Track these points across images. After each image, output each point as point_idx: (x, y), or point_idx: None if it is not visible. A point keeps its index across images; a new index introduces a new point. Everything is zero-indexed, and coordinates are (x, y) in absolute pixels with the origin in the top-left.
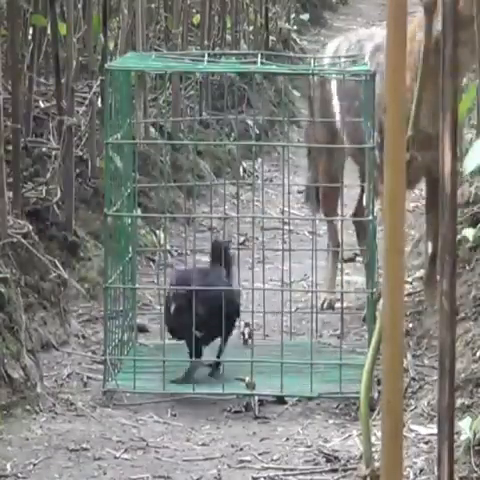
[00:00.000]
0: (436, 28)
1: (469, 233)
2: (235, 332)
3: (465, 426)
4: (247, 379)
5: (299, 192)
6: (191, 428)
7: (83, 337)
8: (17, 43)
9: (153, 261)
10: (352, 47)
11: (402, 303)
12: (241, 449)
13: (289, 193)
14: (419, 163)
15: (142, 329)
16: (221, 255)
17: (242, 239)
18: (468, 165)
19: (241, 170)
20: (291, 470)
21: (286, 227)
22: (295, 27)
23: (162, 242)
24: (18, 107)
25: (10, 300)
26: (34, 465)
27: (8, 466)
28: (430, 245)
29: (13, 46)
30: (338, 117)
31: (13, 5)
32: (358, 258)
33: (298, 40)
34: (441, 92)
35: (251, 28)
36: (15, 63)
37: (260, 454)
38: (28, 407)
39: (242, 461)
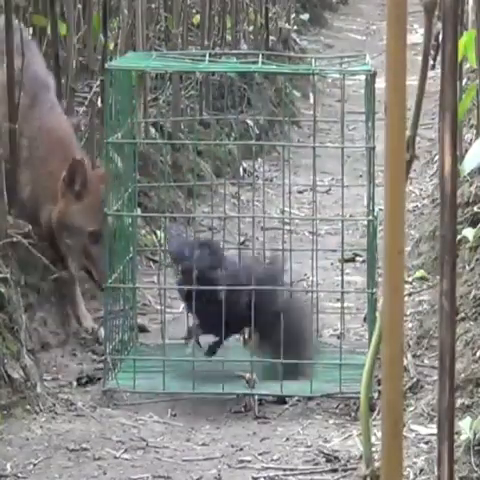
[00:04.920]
0: None
1: (469, 233)
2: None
3: (465, 426)
4: (247, 376)
5: (299, 192)
6: (191, 428)
7: (83, 337)
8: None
9: (153, 261)
10: None
11: (402, 303)
12: (241, 449)
13: (289, 193)
14: None
15: (142, 329)
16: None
17: (242, 239)
18: (467, 165)
19: (241, 170)
20: (291, 470)
21: (286, 227)
22: (295, 27)
23: (162, 242)
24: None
25: (10, 300)
26: (34, 465)
27: (8, 466)
28: None
29: (12, 46)
30: None
31: (9, 4)
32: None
33: (298, 40)
34: (441, 92)
35: (251, 28)
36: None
37: (260, 454)
38: (28, 407)
39: (242, 461)
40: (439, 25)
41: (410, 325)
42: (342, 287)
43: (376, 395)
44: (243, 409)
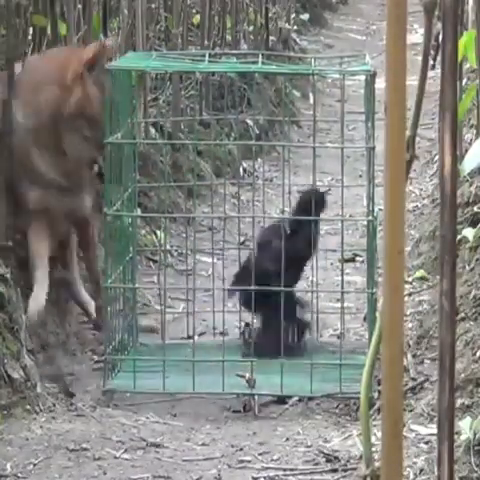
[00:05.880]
0: None
1: (469, 233)
2: (236, 332)
3: (465, 426)
4: (247, 375)
5: (299, 192)
6: (191, 428)
7: (83, 337)
8: (15, 43)
9: (153, 261)
10: None
11: (402, 303)
12: (241, 449)
13: (289, 193)
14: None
15: (152, 329)
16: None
17: (242, 239)
18: (467, 165)
19: (241, 170)
20: (291, 470)
21: None
22: (295, 27)
23: (162, 242)
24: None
25: (10, 300)
26: (34, 465)
27: (8, 466)
28: None
29: (11, 46)
30: None
31: (10, 4)
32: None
33: (298, 40)
34: (441, 92)
35: (251, 28)
36: (14, 63)
37: (260, 454)
38: (28, 407)
39: (242, 461)
40: (439, 25)
41: (410, 325)
42: (342, 287)
43: (376, 395)
44: (243, 409)
